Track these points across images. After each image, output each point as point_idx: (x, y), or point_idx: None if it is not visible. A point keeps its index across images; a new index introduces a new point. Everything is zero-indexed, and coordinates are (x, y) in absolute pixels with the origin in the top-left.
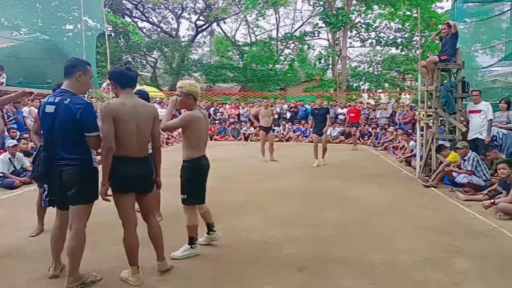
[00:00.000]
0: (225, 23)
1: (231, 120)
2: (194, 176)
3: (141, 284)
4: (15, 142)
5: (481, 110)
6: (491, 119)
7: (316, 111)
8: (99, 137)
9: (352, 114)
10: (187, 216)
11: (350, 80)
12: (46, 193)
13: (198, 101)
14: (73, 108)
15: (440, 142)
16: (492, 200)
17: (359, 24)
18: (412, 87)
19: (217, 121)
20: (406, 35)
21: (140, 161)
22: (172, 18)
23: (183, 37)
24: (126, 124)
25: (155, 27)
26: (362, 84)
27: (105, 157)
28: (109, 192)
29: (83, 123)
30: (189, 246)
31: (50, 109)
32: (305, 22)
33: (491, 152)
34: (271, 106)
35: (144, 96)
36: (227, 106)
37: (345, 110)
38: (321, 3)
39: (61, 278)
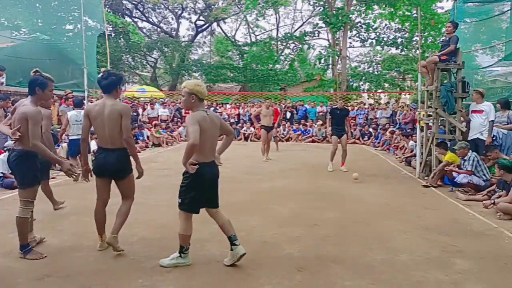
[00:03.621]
0: (225, 23)
1: (231, 120)
2: (190, 183)
3: (103, 249)
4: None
5: (483, 110)
6: (492, 120)
7: (338, 112)
8: None
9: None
10: (179, 222)
11: (350, 80)
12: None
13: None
14: None
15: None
16: (492, 200)
17: (359, 24)
18: (412, 87)
19: None
20: (406, 35)
21: (111, 151)
22: (172, 18)
23: (183, 37)
24: (95, 120)
25: (155, 27)
26: (362, 84)
27: (82, 145)
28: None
29: None
30: (178, 255)
31: None
32: (305, 22)
33: (492, 152)
34: (272, 106)
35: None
36: (228, 106)
37: None
38: (321, 3)
39: (60, 278)
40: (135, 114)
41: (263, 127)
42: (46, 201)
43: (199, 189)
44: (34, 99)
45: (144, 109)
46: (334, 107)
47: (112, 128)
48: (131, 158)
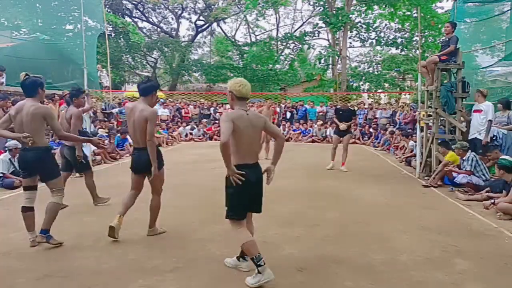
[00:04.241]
0: (225, 23)
1: None
2: (231, 187)
3: (114, 226)
4: (17, 144)
5: (482, 110)
6: (490, 120)
7: (341, 112)
8: None
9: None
10: (232, 234)
11: (350, 80)
12: None
13: (200, 102)
14: None
15: (439, 142)
16: (492, 200)
17: (359, 24)
18: (412, 87)
19: (217, 121)
20: (406, 35)
21: (143, 150)
22: (172, 18)
23: (183, 37)
24: (128, 120)
25: (155, 27)
26: (362, 84)
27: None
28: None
29: None
30: (257, 271)
31: None
32: (305, 22)
33: (492, 152)
34: (273, 106)
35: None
36: (228, 106)
37: None
38: (321, 3)
39: (60, 278)
40: None
41: None
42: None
43: (242, 193)
44: (36, 99)
45: None
46: (337, 107)
47: (141, 131)
48: (162, 156)
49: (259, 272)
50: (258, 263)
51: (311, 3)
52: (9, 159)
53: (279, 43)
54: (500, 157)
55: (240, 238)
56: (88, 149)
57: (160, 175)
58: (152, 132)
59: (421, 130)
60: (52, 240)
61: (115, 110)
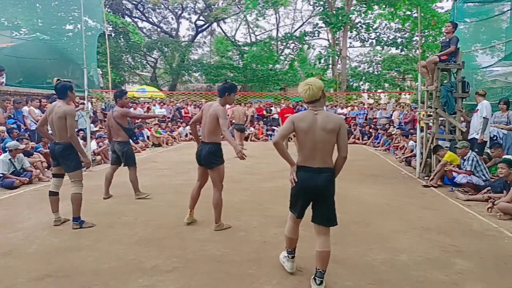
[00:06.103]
0: (225, 23)
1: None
2: (293, 186)
3: (189, 222)
4: (17, 144)
5: (478, 110)
6: (485, 118)
7: None
8: None
9: (287, 115)
10: None
11: (350, 80)
12: None
13: (200, 102)
14: None
15: (439, 142)
16: (492, 200)
17: (359, 24)
18: (412, 87)
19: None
20: (406, 35)
21: (205, 145)
22: (172, 18)
23: (183, 37)
24: (203, 117)
25: (155, 27)
26: (362, 84)
27: (192, 128)
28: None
29: None
30: (285, 255)
31: None
32: (305, 22)
33: (496, 150)
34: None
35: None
36: (227, 106)
37: (345, 110)
38: (321, 3)
39: (60, 278)
40: None
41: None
42: (47, 202)
43: (296, 195)
44: (66, 101)
45: (148, 109)
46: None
47: (209, 126)
48: (223, 151)
49: (286, 256)
50: (288, 253)
51: (311, 3)
52: (9, 159)
53: (279, 43)
54: (503, 156)
55: (287, 228)
56: (93, 143)
57: (220, 170)
58: (225, 124)
59: (421, 130)
60: (85, 224)
61: None
